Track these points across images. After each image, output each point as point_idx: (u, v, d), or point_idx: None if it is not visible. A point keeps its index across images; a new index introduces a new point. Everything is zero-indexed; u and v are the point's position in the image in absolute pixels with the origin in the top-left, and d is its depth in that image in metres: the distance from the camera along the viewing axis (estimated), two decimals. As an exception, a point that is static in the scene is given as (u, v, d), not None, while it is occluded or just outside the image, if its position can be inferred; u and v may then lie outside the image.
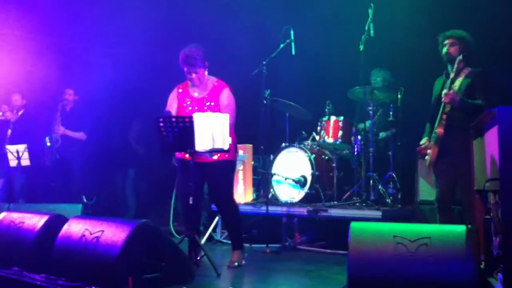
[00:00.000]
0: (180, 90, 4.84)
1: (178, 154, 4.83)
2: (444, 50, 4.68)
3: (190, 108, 4.74)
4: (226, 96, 4.72)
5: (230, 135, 4.46)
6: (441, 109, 4.54)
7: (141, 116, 7.51)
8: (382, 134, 6.38)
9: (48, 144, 7.04)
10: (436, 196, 4.75)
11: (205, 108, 4.70)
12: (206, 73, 4.74)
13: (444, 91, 4.46)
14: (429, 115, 4.86)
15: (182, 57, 4.64)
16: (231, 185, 4.89)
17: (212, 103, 4.71)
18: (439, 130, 4.54)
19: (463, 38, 4.63)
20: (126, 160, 7.75)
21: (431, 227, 3.45)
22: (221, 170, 4.70)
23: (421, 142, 4.85)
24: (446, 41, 4.67)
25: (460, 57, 4.57)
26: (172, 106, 4.81)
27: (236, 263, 4.64)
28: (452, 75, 4.58)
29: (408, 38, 6.37)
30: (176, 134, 4.34)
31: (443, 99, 4.47)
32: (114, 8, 7.53)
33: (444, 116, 4.52)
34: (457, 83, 4.55)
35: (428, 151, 4.71)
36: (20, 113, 7.20)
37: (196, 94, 4.78)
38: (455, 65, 4.57)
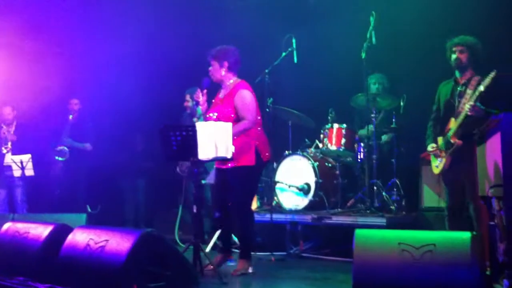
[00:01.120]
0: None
1: (216, 164, 4.88)
2: (454, 57, 4.65)
3: (206, 109, 4.90)
4: (240, 98, 4.71)
5: (249, 139, 4.60)
6: (460, 119, 4.48)
7: (147, 125, 7.50)
8: (384, 137, 6.35)
9: (61, 159, 7.06)
10: (446, 204, 4.76)
11: (217, 107, 4.79)
12: (223, 72, 4.81)
13: (469, 103, 4.36)
14: (434, 119, 4.85)
15: (212, 50, 4.85)
16: (245, 192, 4.76)
17: (224, 106, 4.74)
18: (457, 141, 4.50)
19: (472, 46, 4.61)
20: (133, 170, 7.73)
21: (436, 234, 3.45)
22: (236, 175, 4.70)
23: (429, 148, 4.82)
24: (455, 48, 4.65)
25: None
26: None
27: (239, 272, 4.63)
28: (462, 82, 4.57)
29: (409, 45, 6.39)
30: (180, 142, 4.37)
31: (468, 112, 4.37)
32: (117, 14, 7.57)
33: (461, 126, 4.48)
34: (470, 91, 4.49)
35: (439, 159, 4.70)
36: (13, 124, 7.19)
37: (221, 95, 4.88)
38: (465, 73, 4.59)
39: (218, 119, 4.68)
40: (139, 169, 7.73)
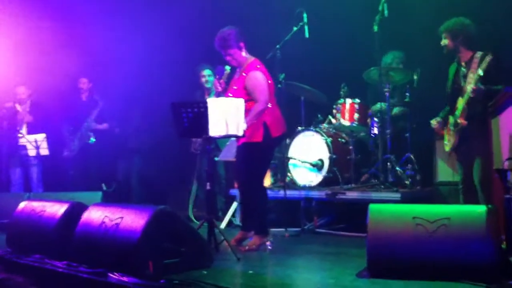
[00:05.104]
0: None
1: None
2: (442, 44, 4.80)
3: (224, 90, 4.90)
4: (251, 81, 4.70)
5: (262, 117, 4.61)
6: (464, 99, 4.55)
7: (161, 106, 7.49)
8: (395, 109, 6.25)
9: (91, 140, 7.12)
10: (460, 178, 4.86)
11: (233, 87, 4.79)
12: (243, 53, 4.80)
13: (471, 86, 4.42)
14: (446, 97, 4.90)
15: (216, 41, 4.77)
16: (254, 168, 4.76)
17: (235, 87, 4.77)
18: (462, 121, 4.59)
19: (450, 30, 4.71)
20: (128, 147, 7.66)
21: (450, 208, 3.44)
22: (243, 152, 4.76)
23: (431, 121, 4.97)
24: (442, 35, 4.78)
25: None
26: None
27: (254, 246, 4.68)
28: (463, 64, 4.65)
29: (423, 18, 6.27)
30: (191, 119, 4.37)
31: (470, 94, 4.45)
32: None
33: (466, 106, 4.55)
34: (472, 75, 4.52)
35: (447, 136, 4.80)
36: (28, 103, 7.23)
37: (237, 75, 4.88)
38: (460, 55, 4.70)
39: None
40: (134, 146, 7.60)
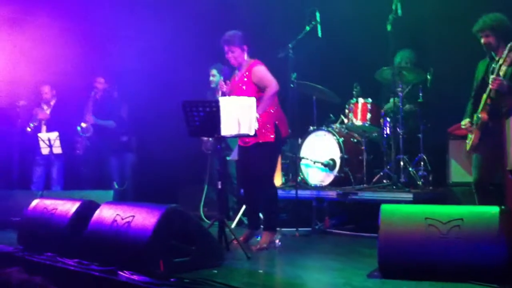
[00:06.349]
0: (235, 74, 5.06)
1: (239, 141, 5.02)
2: (482, 42, 4.57)
3: (229, 91, 4.94)
4: (257, 73, 4.81)
5: (271, 116, 4.72)
6: (486, 94, 4.44)
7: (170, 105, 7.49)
8: (407, 107, 6.17)
9: (81, 134, 7.12)
10: (474, 179, 4.68)
11: (236, 88, 4.85)
12: (244, 56, 4.90)
13: (492, 76, 4.33)
14: (473, 96, 4.75)
15: (223, 37, 4.91)
16: (267, 167, 4.86)
17: (244, 87, 4.81)
18: (483, 116, 4.47)
19: (494, 26, 4.50)
20: (118, 143, 7.51)
21: (463, 209, 3.40)
22: (256, 152, 4.80)
23: (462, 123, 4.75)
24: (480, 34, 4.57)
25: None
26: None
27: (260, 246, 4.70)
28: (500, 60, 4.40)
29: (436, 17, 6.22)
30: (203, 118, 4.37)
31: (490, 85, 4.35)
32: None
33: (489, 101, 4.43)
34: (503, 68, 4.38)
35: (470, 135, 4.65)
36: (52, 103, 7.29)
37: (237, 78, 4.95)
38: (498, 51, 4.45)
39: None
40: (125, 142, 7.52)
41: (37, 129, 7.15)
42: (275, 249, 4.73)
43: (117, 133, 7.29)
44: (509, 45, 4.30)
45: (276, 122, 4.82)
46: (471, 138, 4.64)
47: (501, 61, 4.30)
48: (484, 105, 4.45)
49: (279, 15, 6.99)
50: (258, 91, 4.79)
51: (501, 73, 4.32)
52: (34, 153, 7.10)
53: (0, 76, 7.22)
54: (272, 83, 4.75)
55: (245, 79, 4.84)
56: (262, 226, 4.97)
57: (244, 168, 4.98)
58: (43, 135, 6.88)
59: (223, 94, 5.02)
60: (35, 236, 4.44)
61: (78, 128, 7.11)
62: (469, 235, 3.19)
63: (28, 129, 7.06)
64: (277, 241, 4.89)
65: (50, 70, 7.33)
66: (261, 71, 4.83)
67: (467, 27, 4.71)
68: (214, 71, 6.69)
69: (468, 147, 4.72)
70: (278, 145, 4.93)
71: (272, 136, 4.78)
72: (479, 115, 4.50)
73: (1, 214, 5.80)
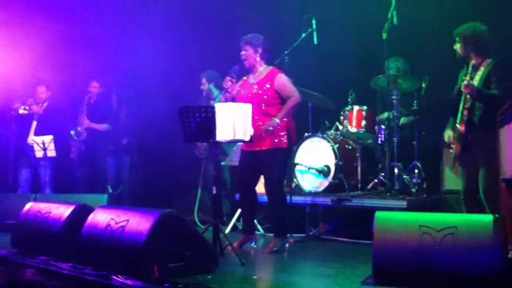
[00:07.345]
0: (245, 78, 5.13)
1: (242, 146, 5.08)
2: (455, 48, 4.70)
3: (242, 91, 5.01)
4: (281, 81, 4.91)
5: (287, 122, 4.85)
6: (461, 104, 4.49)
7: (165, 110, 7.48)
8: (403, 119, 6.22)
9: (75, 137, 7.10)
10: (462, 188, 4.71)
11: (253, 92, 4.91)
12: (258, 58, 4.98)
13: (464, 83, 4.38)
14: (451, 108, 4.78)
15: (244, 35, 5.02)
16: (281, 172, 4.96)
17: (260, 91, 4.89)
18: (460, 128, 4.50)
19: (465, 36, 4.59)
20: (116, 145, 7.44)
21: (457, 216, 3.41)
22: (271, 157, 4.87)
23: (445, 136, 4.81)
24: (456, 39, 4.68)
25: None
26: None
27: (270, 250, 4.80)
28: (470, 70, 4.48)
29: (432, 25, 6.26)
30: (199, 123, 4.38)
31: (462, 89, 4.40)
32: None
33: (465, 112, 4.48)
34: (477, 77, 4.48)
35: (452, 145, 4.68)
36: (45, 105, 7.26)
37: (251, 81, 5.02)
38: (470, 62, 4.53)
39: (257, 103, 4.83)
40: (124, 145, 7.44)
41: (29, 119, 7.09)
42: (284, 253, 4.82)
43: (114, 136, 7.27)
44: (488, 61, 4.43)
45: (289, 128, 4.93)
46: (453, 149, 4.67)
47: (470, 70, 4.40)
48: (461, 117, 4.51)
49: (275, 22, 7.01)
50: (276, 97, 4.89)
51: (475, 81, 4.40)
52: (21, 155, 7.06)
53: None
54: (296, 93, 4.88)
55: (268, 85, 4.89)
56: (258, 233, 5.02)
57: (251, 172, 5.02)
58: (37, 138, 6.85)
59: (227, 93, 5.03)
60: (29, 240, 4.43)
61: (72, 132, 7.09)
62: (462, 243, 3.20)
63: (21, 111, 6.96)
64: (286, 245, 4.99)
65: (45, 73, 7.32)
66: (285, 79, 4.94)
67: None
68: (203, 79, 6.70)
69: (452, 157, 4.75)
70: (289, 150, 5.09)
71: (286, 141, 4.89)
72: (458, 126, 4.54)
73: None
